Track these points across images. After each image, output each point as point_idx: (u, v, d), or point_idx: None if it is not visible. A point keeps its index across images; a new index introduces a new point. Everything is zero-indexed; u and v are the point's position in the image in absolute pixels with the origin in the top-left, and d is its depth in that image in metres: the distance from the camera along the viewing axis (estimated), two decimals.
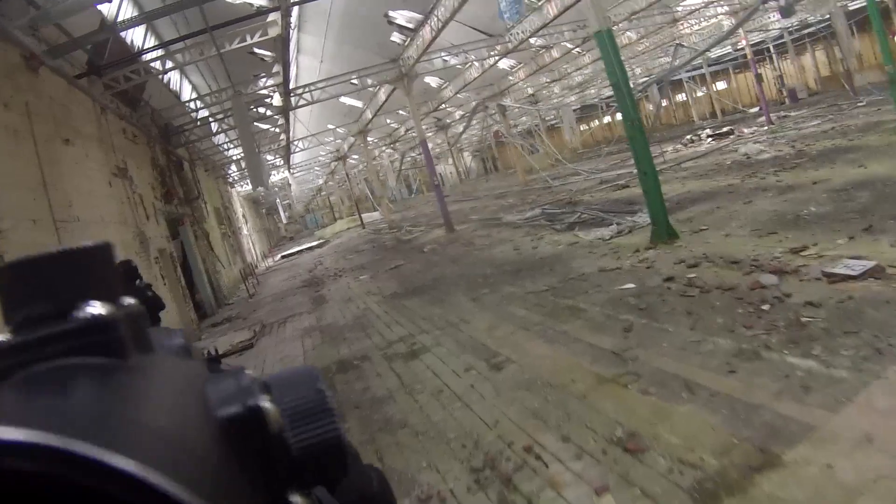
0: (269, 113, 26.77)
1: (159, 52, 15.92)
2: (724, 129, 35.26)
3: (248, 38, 15.46)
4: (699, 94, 65.66)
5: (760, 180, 16.76)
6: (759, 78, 38.10)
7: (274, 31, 15.52)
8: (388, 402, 7.94)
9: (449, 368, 8.56)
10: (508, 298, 11.61)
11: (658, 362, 6.71)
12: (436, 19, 20.92)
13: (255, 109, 24.66)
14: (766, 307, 7.44)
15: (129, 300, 0.51)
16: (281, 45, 16.88)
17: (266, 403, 0.50)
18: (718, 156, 25.57)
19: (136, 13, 13.99)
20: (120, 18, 13.70)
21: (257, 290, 27.18)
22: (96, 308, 0.46)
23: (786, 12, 27.43)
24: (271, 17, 15.41)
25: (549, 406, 6.41)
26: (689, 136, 36.90)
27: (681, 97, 71.48)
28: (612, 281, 10.68)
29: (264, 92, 22.35)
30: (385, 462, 6.21)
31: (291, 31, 15.99)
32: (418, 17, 22.30)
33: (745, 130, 33.55)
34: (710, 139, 33.77)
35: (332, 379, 9.72)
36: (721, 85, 63.98)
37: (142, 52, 15.58)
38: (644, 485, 4.57)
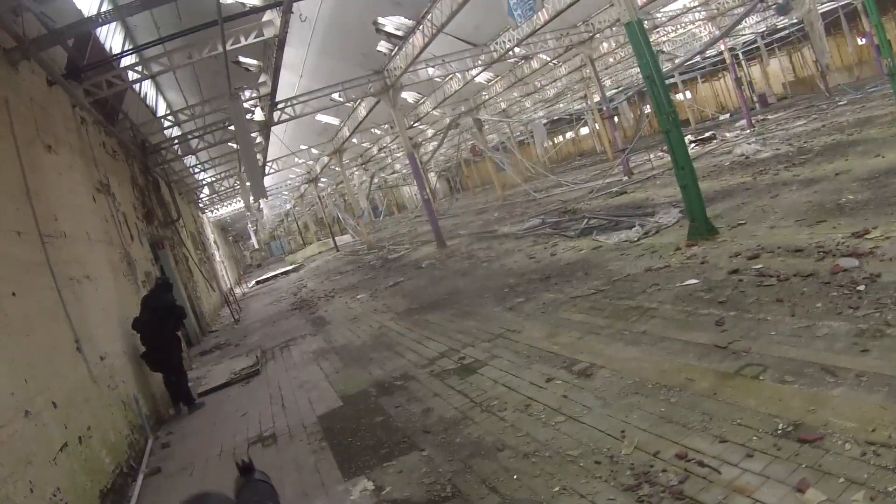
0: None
1: (144, 55, 14.69)
2: (707, 135, 35.03)
3: (243, 38, 14.30)
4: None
5: (774, 176, 16.42)
6: (738, 82, 38.14)
7: (270, 32, 14.38)
8: (464, 423, 6.87)
9: (524, 380, 7.56)
10: (552, 305, 10.72)
11: (777, 351, 6.14)
12: (429, 24, 19.91)
13: (228, 126, 23.43)
14: (861, 288, 7.00)
15: None
16: (275, 48, 15.77)
17: None
18: (711, 158, 25.25)
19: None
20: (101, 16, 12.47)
21: (240, 315, 25.81)
22: None
23: (782, 10, 26.88)
24: (266, 16, 14.31)
25: (678, 409, 5.68)
26: None
27: (647, 108, 71.61)
28: (668, 279, 9.94)
29: (246, 106, 21.17)
30: (501, 493, 5.16)
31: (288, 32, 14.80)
32: (408, 23, 21.26)
33: (728, 134, 33.60)
34: (693, 145, 33.29)
35: (377, 402, 8.64)
36: (687, 94, 63.90)
37: (126, 52, 14.30)
38: (845, 472, 4.09)
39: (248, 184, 27.50)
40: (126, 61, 14.69)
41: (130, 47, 15.62)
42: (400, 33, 22.11)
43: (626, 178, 27.94)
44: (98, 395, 8.95)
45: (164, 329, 11.85)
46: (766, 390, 5.45)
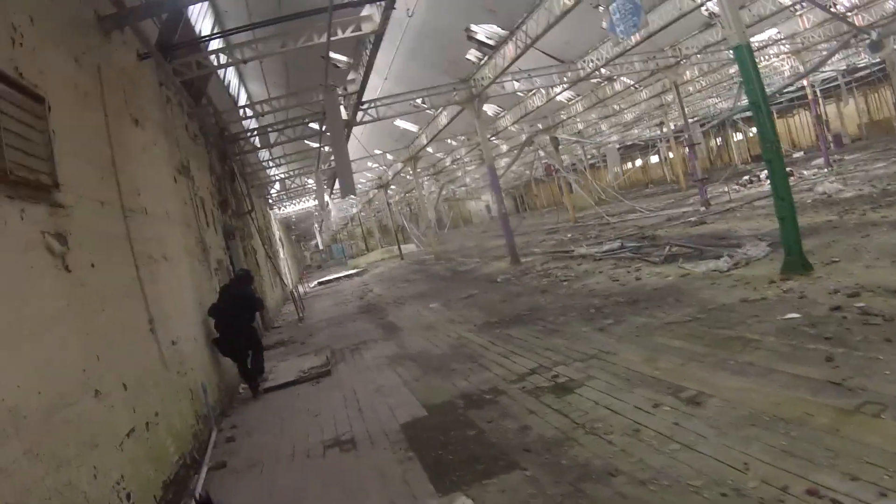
0: (324, 129, 25.22)
1: (231, 40, 14.49)
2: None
3: (340, 32, 13.93)
4: (739, 137, 66.39)
5: (861, 216, 15.97)
6: (818, 119, 37.58)
7: (368, 28, 14.01)
8: (568, 444, 6.43)
9: (627, 404, 7.11)
10: (645, 329, 10.23)
11: (894, 390, 5.86)
12: (522, 36, 19.51)
13: (309, 123, 23.25)
14: None
15: None
16: (371, 45, 15.50)
17: None
18: (791, 195, 24.33)
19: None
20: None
21: (304, 314, 25.58)
22: None
23: (875, 48, 26.17)
24: (366, 11, 13.93)
25: (800, 443, 5.32)
26: (746, 178, 36.62)
27: (716, 141, 71.22)
28: (767, 311, 9.44)
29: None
30: None
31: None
32: (501, 33, 20.92)
33: (805, 172, 33.12)
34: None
35: (466, 415, 8.21)
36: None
37: (215, 35, 14.10)
38: None
39: (324, 184, 27.34)
40: (214, 46, 14.51)
41: (219, 31, 15.43)
42: (491, 42, 21.76)
43: (703, 208, 27.25)
44: (167, 381, 8.65)
45: (241, 318, 12.37)
46: (890, 428, 5.19)
